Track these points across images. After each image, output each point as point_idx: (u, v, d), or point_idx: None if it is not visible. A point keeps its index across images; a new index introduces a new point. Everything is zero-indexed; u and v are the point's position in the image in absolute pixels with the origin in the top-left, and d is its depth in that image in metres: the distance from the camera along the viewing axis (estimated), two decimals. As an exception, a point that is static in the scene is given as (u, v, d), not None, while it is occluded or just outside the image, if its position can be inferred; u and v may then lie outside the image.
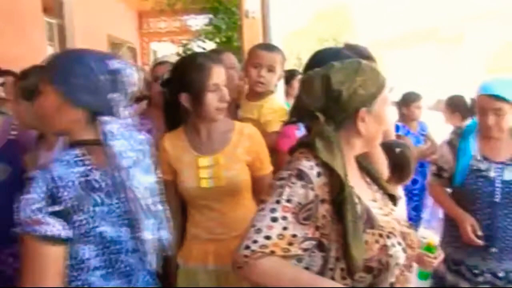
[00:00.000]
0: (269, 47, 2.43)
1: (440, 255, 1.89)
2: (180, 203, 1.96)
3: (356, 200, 1.24)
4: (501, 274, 2.22)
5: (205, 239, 1.88)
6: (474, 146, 2.27)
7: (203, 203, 1.87)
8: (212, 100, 1.79)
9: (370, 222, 1.25)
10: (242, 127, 1.91)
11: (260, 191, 1.63)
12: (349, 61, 1.34)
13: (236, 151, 1.85)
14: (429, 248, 1.90)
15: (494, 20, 14.23)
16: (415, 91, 4.24)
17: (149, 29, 9.87)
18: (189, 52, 6.43)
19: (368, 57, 1.81)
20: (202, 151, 1.86)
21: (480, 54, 16.25)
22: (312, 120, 1.28)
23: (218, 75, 1.80)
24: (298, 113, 1.36)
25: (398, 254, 1.25)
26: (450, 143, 2.39)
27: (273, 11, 4.13)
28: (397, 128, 3.96)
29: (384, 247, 1.23)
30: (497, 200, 2.17)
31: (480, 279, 2.23)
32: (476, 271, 2.24)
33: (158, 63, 2.58)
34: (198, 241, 1.90)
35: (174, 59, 2.35)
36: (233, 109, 2.26)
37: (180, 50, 7.38)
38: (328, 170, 1.22)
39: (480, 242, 2.17)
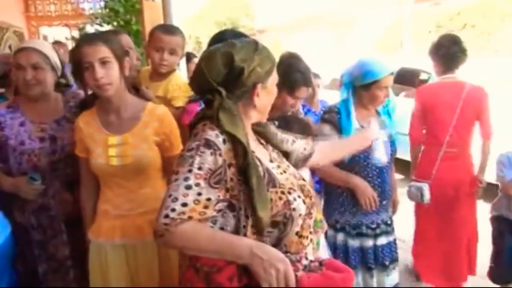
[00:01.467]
0: (170, 30, 2.45)
1: (324, 227, 2.14)
2: (95, 180, 1.98)
3: (258, 163, 1.38)
4: (389, 221, 2.53)
5: (113, 215, 1.92)
6: (352, 120, 2.38)
7: (112, 180, 1.92)
8: (88, 78, 1.81)
9: (272, 181, 1.39)
10: (154, 108, 1.95)
11: (170, 170, 1.69)
12: (247, 40, 1.46)
13: (145, 131, 1.89)
14: (315, 223, 2.10)
15: (382, 4, 15.28)
16: (313, 71, 4.41)
17: (37, 13, 9.20)
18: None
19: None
20: (112, 130, 1.90)
21: (370, 36, 17.35)
22: (212, 94, 1.37)
23: (90, 54, 1.79)
24: (199, 86, 1.44)
25: (300, 206, 1.40)
26: (329, 121, 2.42)
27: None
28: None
29: (287, 202, 1.38)
30: None
31: (378, 231, 2.47)
32: (374, 226, 2.45)
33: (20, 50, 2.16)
34: (107, 217, 1.93)
35: (40, 43, 2.20)
36: (131, 89, 2.24)
37: (76, 34, 7.02)
38: (232, 139, 1.33)
39: (377, 203, 2.36)
